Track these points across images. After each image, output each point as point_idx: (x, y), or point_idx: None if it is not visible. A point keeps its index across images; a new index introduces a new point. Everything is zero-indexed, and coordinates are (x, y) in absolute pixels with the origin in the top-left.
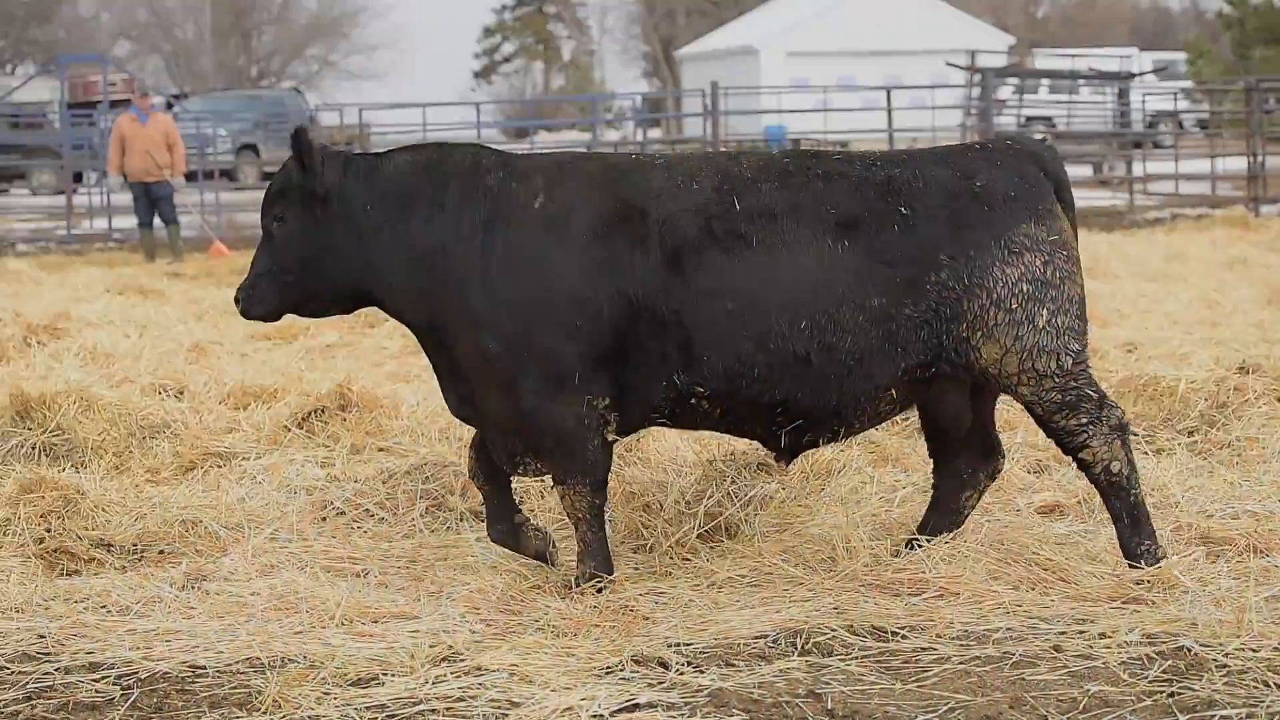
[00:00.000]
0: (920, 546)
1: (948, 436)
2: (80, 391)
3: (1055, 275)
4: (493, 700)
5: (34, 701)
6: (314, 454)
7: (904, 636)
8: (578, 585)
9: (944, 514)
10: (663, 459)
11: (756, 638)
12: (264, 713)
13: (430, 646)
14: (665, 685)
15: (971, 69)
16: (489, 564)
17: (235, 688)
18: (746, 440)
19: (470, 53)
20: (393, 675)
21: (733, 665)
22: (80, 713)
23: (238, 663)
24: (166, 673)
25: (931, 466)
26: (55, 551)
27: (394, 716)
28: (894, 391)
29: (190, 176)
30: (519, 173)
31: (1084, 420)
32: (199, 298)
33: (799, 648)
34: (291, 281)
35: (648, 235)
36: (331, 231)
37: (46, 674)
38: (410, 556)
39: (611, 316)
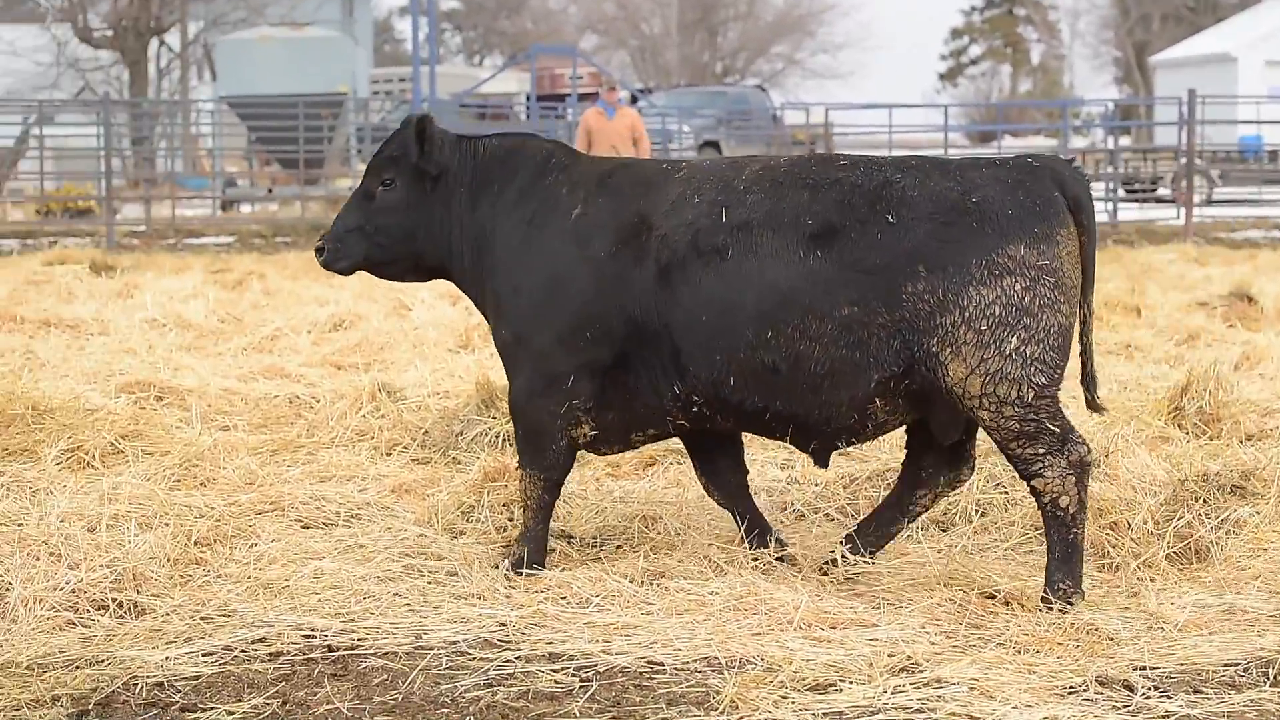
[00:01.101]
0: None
1: (929, 439)
2: None
3: (1034, 303)
4: (952, 714)
5: (495, 689)
6: (774, 455)
7: None
8: (510, 565)
9: (889, 509)
10: (1131, 477)
11: (1226, 665)
12: (721, 713)
13: (889, 655)
14: (1130, 709)
15: None
16: (945, 574)
17: (692, 686)
18: (1219, 461)
19: (936, 54)
20: (851, 683)
21: (1200, 693)
22: (539, 702)
23: (695, 661)
24: (625, 667)
25: (903, 458)
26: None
27: None
28: (879, 401)
29: None
30: (573, 180)
31: (1041, 451)
32: None
33: (1271, 678)
34: (383, 243)
35: (648, 249)
36: (432, 207)
37: (507, 661)
38: (869, 563)
39: (616, 332)
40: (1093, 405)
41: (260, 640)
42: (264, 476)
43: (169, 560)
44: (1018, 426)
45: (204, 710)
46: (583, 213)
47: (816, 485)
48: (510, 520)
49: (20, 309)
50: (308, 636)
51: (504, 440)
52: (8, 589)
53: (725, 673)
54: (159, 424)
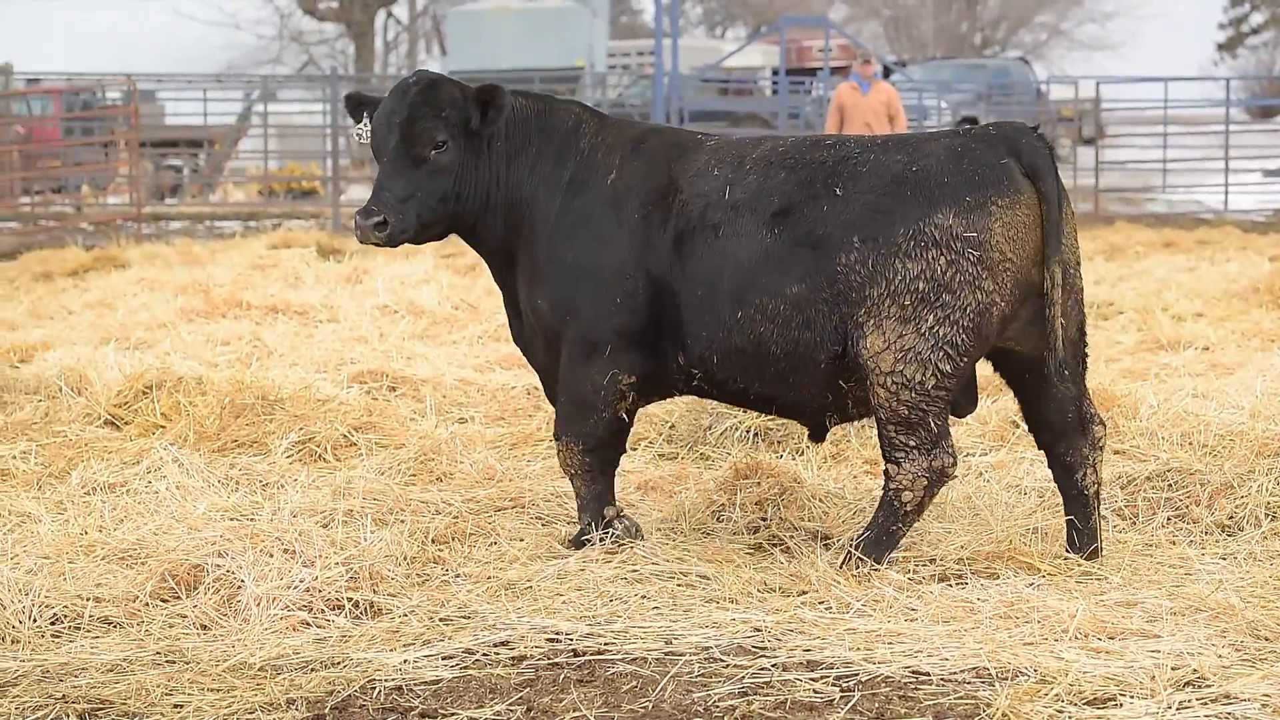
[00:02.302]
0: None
1: (1045, 425)
2: None
3: (956, 279)
4: None
5: (750, 697)
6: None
7: None
8: (581, 539)
9: (1072, 506)
10: None
11: None
12: None
13: (1173, 669)
14: None
15: None
16: (1237, 580)
17: (961, 698)
18: None
19: (1214, 23)
20: (1132, 697)
21: None
22: (797, 712)
23: (963, 671)
24: (888, 676)
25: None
26: (770, 540)
27: None
28: (844, 383)
29: None
30: (608, 144)
31: (912, 444)
32: None
33: None
34: (433, 206)
35: (669, 215)
36: (478, 167)
37: (763, 669)
38: (1149, 570)
39: (646, 295)
40: (1058, 375)
41: (502, 643)
42: (503, 471)
43: (406, 558)
44: (906, 412)
45: (445, 716)
46: (618, 177)
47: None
48: (764, 519)
49: (246, 294)
50: (552, 640)
51: (755, 435)
52: (240, 586)
53: (996, 684)
54: (393, 415)
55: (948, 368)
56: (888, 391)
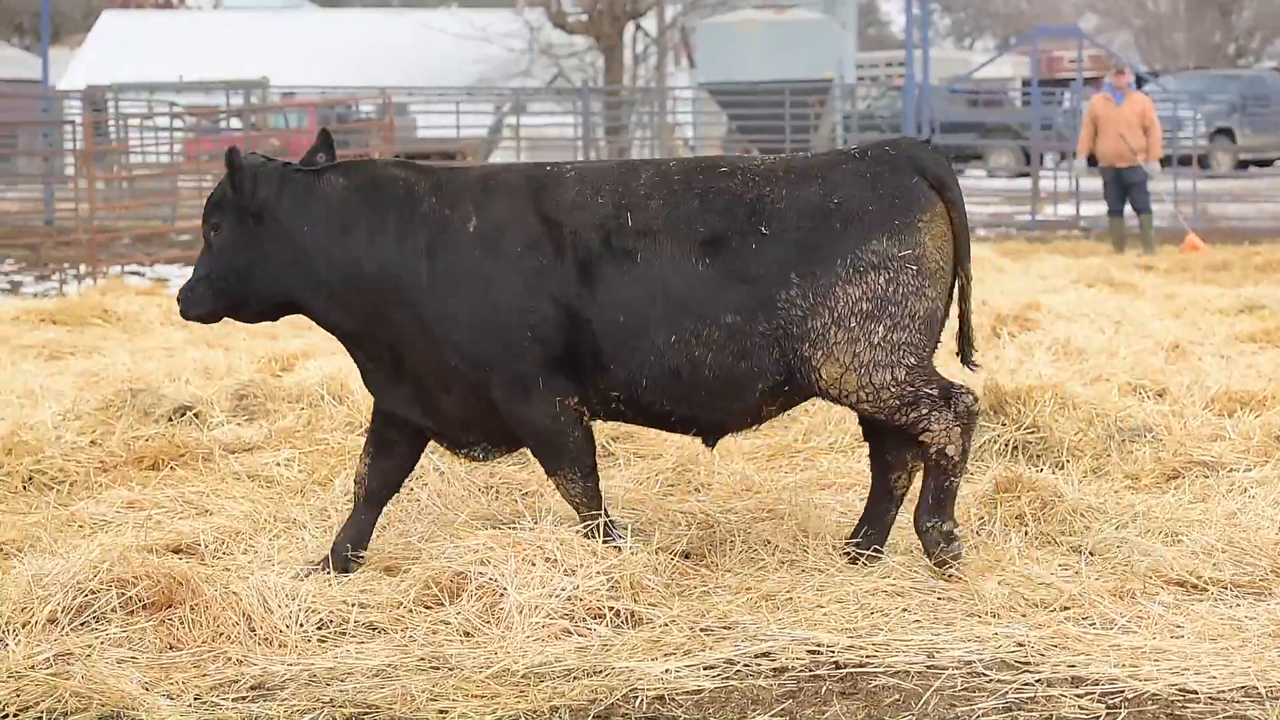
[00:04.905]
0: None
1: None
2: (1054, 388)
3: (898, 292)
4: None
5: (1015, 713)
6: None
7: None
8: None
9: (876, 501)
10: None
11: None
12: None
13: None
14: None
15: None
16: None
17: (1229, 717)
18: None
19: None
20: None
21: None
22: None
23: (1232, 690)
24: (1155, 694)
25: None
26: (1031, 555)
27: None
28: (770, 407)
29: (1163, 162)
30: (450, 197)
31: (925, 411)
32: (1174, 293)
33: None
34: (224, 288)
35: (564, 245)
36: (263, 245)
37: (1027, 684)
38: None
39: (555, 321)
40: (968, 362)
41: (764, 654)
42: (760, 482)
43: (665, 569)
44: (897, 403)
45: None
46: (480, 221)
47: None
48: (1025, 533)
49: None
50: (813, 652)
51: (1015, 449)
52: (502, 594)
53: (1267, 704)
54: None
55: (913, 360)
56: (869, 403)
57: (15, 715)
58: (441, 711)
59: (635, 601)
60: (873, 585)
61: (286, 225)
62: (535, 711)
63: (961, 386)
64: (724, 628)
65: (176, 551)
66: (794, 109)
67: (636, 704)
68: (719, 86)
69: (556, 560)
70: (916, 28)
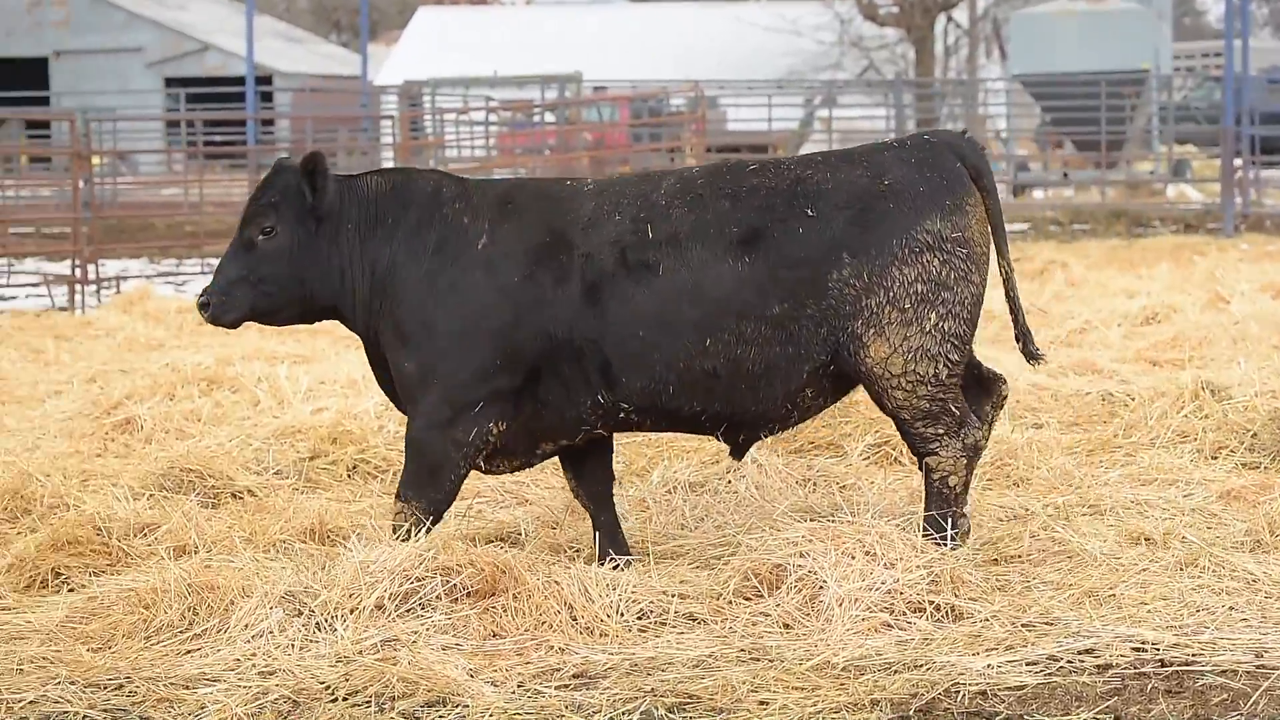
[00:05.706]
0: None
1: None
2: None
3: (950, 276)
4: None
5: None
6: None
7: None
8: None
9: None
10: None
11: None
12: None
13: None
14: None
15: None
16: None
17: None
18: None
19: None
20: None
21: None
22: None
23: None
24: None
25: None
26: None
27: None
28: (810, 391)
29: None
30: (473, 207)
31: (940, 431)
32: None
33: None
34: (270, 292)
35: (571, 269)
36: (319, 249)
37: None
38: None
39: (530, 353)
40: (1030, 356)
41: (1087, 651)
42: (1081, 478)
43: (986, 563)
44: (927, 405)
45: None
46: (489, 242)
47: None
48: None
49: None
50: (1137, 649)
51: None
52: (822, 587)
53: None
54: None
55: (956, 356)
56: (905, 392)
57: (344, 699)
58: (762, 703)
59: (955, 596)
60: (1197, 583)
61: (340, 227)
62: (856, 704)
63: (975, 420)
64: (1046, 624)
65: (498, 540)
66: (1109, 100)
67: (958, 699)
68: (1032, 78)
69: (876, 554)
70: (1235, 17)
